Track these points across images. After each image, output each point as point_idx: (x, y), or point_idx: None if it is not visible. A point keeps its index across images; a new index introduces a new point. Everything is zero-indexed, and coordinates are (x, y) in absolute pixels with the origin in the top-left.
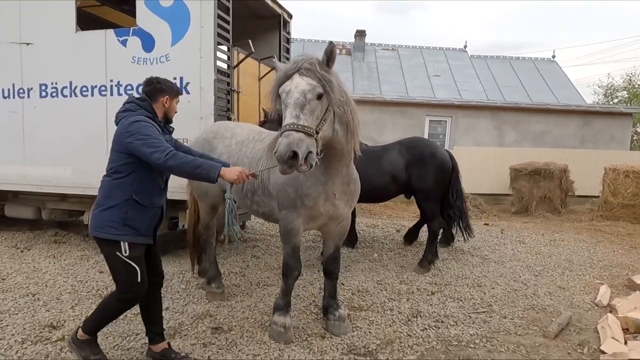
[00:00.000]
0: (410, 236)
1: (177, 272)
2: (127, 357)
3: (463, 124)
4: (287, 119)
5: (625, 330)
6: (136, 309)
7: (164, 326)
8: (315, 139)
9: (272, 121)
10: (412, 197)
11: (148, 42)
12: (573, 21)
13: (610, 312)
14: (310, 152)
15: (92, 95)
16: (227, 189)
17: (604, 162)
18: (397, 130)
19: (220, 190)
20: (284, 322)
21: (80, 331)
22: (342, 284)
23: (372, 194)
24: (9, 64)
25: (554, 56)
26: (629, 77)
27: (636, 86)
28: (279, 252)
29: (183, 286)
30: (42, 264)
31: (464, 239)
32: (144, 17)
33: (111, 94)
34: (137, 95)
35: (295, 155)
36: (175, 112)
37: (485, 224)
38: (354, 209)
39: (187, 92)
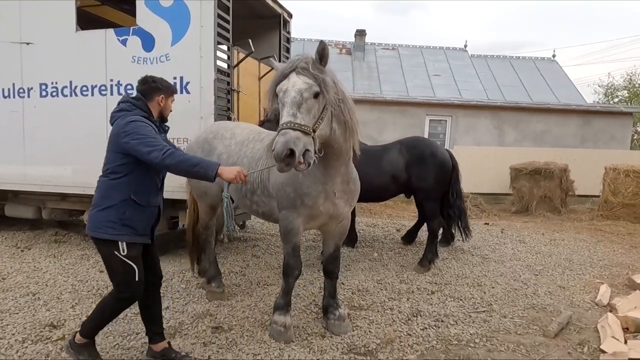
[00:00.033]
0: (409, 237)
1: (177, 271)
2: (127, 357)
3: (463, 123)
4: (284, 118)
5: (625, 330)
6: (136, 308)
7: (164, 325)
8: (313, 138)
9: (271, 121)
10: (412, 197)
11: (148, 42)
12: (573, 21)
13: (610, 311)
14: (307, 150)
15: (92, 94)
16: (225, 187)
17: (604, 162)
18: (398, 130)
19: (220, 190)
20: (284, 322)
21: (78, 335)
22: (342, 283)
23: (372, 193)
24: (9, 63)
25: (554, 55)
26: (629, 77)
27: (636, 85)
28: (279, 252)
29: (183, 285)
30: (43, 264)
31: (463, 239)
32: (144, 16)
33: (111, 94)
34: (132, 95)
35: (292, 153)
36: (171, 111)
37: (486, 224)
38: (354, 208)
39: (187, 92)
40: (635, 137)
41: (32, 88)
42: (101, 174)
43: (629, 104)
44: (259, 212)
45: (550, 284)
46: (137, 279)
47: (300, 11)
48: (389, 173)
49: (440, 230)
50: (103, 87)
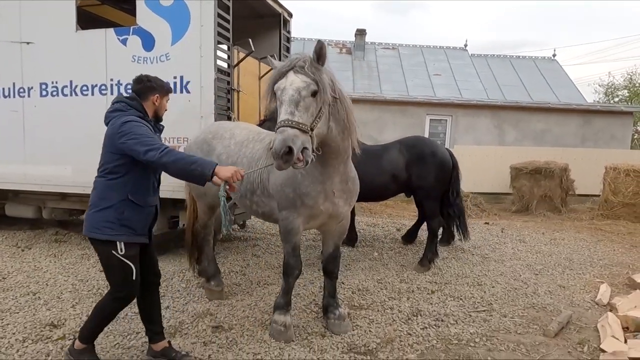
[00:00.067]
0: (409, 236)
1: (177, 270)
2: (128, 356)
3: (463, 122)
4: (282, 116)
5: (625, 329)
6: (136, 307)
7: (165, 325)
8: (311, 136)
9: (271, 120)
10: (412, 196)
11: (148, 41)
12: (573, 21)
13: (611, 310)
14: (305, 148)
15: (93, 94)
16: (221, 187)
17: (604, 161)
18: (398, 129)
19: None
20: (285, 321)
21: (77, 342)
22: (343, 283)
23: (372, 192)
24: (10, 63)
25: (554, 55)
26: (629, 76)
27: (637, 85)
28: (279, 251)
29: (183, 285)
30: (43, 263)
31: (462, 238)
32: (144, 16)
33: (111, 93)
34: (125, 94)
35: (290, 150)
36: (166, 110)
37: (486, 223)
38: (354, 207)
39: (188, 91)
40: (635, 137)
41: (32, 87)
42: (97, 174)
43: (630, 103)
44: (259, 212)
45: (551, 284)
46: (134, 277)
47: (301, 11)
48: (389, 172)
49: (440, 230)
50: (103, 87)
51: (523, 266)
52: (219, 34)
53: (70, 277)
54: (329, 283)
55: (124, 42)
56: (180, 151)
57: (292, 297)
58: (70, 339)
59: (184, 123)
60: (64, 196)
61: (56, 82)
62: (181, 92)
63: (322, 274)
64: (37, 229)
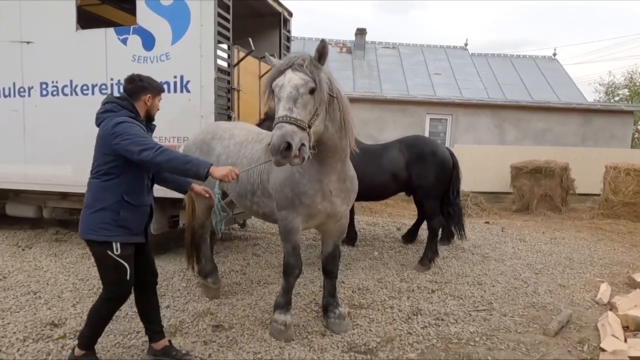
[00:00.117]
0: (410, 235)
1: (177, 270)
2: (128, 355)
3: (464, 122)
4: (280, 112)
5: (626, 328)
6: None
7: (165, 324)
8: (308, 133)
9: (271, 119)
10: (412, 196)
11: (148, 41)
12: (573, 21)
13: (611, 309)
14: (303, 144)
15: (93, 93)
16: (216, 185)
17: (604, 160)
18: (398, 129)
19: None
20: (285, 320)
21: (76, 349)
22: (343, 282)
23: (372, 192)
24: (10, 62)
25: (554, 54)
26: (630, 75)
27: (637, 84)
28: (279, 251)
29: (184, 284)
30: (44, 262)
31: (459, 237)
32: (144, 15)
33: (112, 93)
34: (116, 94)
35: (289, 146)
36: (158, 110)
37: (486, 222)
38: (353, 206)
39: (188, 91)
40: (635, 136)
41: (32, 87)
42: (91, 175)
43: (630, 102)
44: (259, 212)
45: (551, 283)
46: (128, 277)
47: (301, 10)
48: (390, 171)
49: (440, 229)
50: (103, 86)
51: (523, 265)
52: (219, 33)
53: (71, 277)
54: (329, 282)
55: (124, 41)
56: (175, 150)
57: (293, 296)
58: (71, 338)
59: (184, 122)
60: (64, 195)
61: (56, 82)
62: (181, 91)
63: (322, 273)
64: (37, 229)
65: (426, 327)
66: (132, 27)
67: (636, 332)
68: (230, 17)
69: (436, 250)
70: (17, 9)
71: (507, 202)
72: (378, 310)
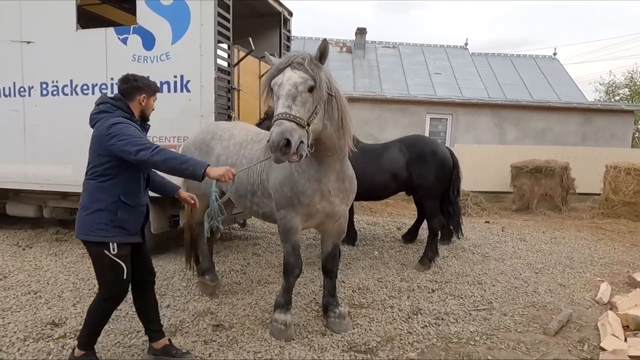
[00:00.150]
0: (410, 235)
1: (177, 269)
2: (129, 355)
3: (464, 121)
4: (279, 109)
5: (626, 328)
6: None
7: (165, 324)
8: (307, 131)
9: (271, 118)
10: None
11: (148, 40)
12: (573, 21)
13: (611, 309)
14: (301, 142)
15: (93, 93)
16: (213, 184)
17: (605, 160)
18: (398, 128)
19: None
20: (285, 320)
21: (76, 349)
22: (343, 282)
23: (373, 191)
24: (10, 62)
25: (555, 53)
26: (630, 75)
27: (637, 83)
28: (279, 250)
29: (184, 284)
30: (44, 262)
31: (457, 236)
32: (145, 15)
33: (112, 92)
34: (110, 95)
35: (288, 143)
36: (153, 110)
37: (486, 222)
38: (352, 206)
39: (188, 90)
40: (636, 135)
41: (32, 87)
42: (86, 176)
43: (630, 102)
44: (259, 213)
45: (551, 282)
46: (124, 277)
47: (301, 10)
48: (390, 171)
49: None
50: (104, 86)
51: (523, 265)
52: (219, 33)
53: (71, 276)
54: (329, 282)
55: (124, 41)
56: (172, 150)
57: (293, 295)
58: (71, 338)
59: (184, 122)
60: (64, 195)
61: (57, 82)
62: (181, 91)
63: (322, 272)
64: (38, 228)
65: (426, 326)
66: (132, 26)
67: (636, 331)
68: (230, 16)
69: (436, 249)
70: (18, 9)
71: (507, 201)
72: (378, 309)
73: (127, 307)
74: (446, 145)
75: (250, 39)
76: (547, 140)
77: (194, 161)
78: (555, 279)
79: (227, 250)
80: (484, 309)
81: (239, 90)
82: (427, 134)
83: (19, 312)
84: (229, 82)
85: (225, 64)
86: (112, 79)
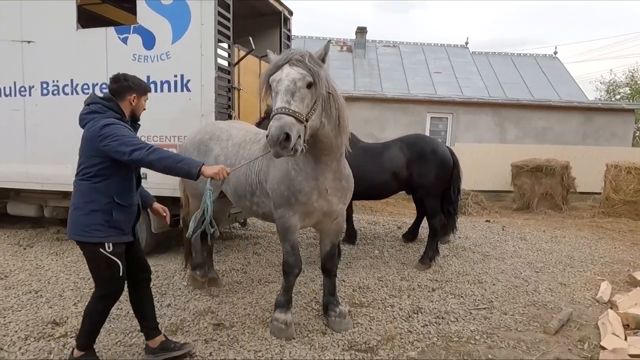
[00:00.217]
0: (410, 234)
1: (178, 269)
2: (130, 354)
3: (464, 120)
4: (278, 104)
5: (626, 327)
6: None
7: (166, 323)
8: (305, 127)
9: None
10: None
11: (149, 40)
12: (573, 21)
13: (611, 308)
14: (298, 137)
15: (94, 93)
16: (207, 182)
17: (605, 159)
18: (399, 127)
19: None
20: (285, 319)
21: (75, 350)
22: (343, 281)
23: (373, 190)
24: (11, 62)
25: (555, 52)
26: (631, 73)
27: (638, 82)
28: (280, 249)
29: (184, 283)
30: (45, 262)
31: (452, 232)
32: (145, 14)
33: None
34: (100, 94)
35: (288, 137)
36: (144, 110)
37: (487, 221)
38: (351, 205)
39: (188, 90)
40: (637, 134)
41: (33, 86)
42: (78, 177)
43: (631, 100)
44: (258, 212)
45: (551, 281)
46: (120, 274)
47: (301, 10)
48: (390, 170)
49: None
50: (104, 86)
51: (524, 264)
52: (220, 32)
53: (72, 275)
54: (328, 281)
55: (124, 40)
56: (166, 150)
57: (293, 295)
58: (72, 337)
59: (185, 122)
60: (65, 195)
61: (57, 81)
62: (182, 90)
63: (321, 272)
64: (38, 228)
65: (427, 325)
66: (132, 26)
67: (636, 330)
68: (230, 16)
69: (437, 248)
70: (18, 9)
71: (507, 200)
72: (378, 308)
73: (127, 306)
74: (446, 144)
75: (250, 38)
76: (547, 139)
77: (189, 160)
78: (555, 277)
79: (227, 249)
80: (485, 308)
81: (239, 90)
82: (427, 133)
83: (20, 311)
84: (229, 81)
85: (225, 63)
86: None
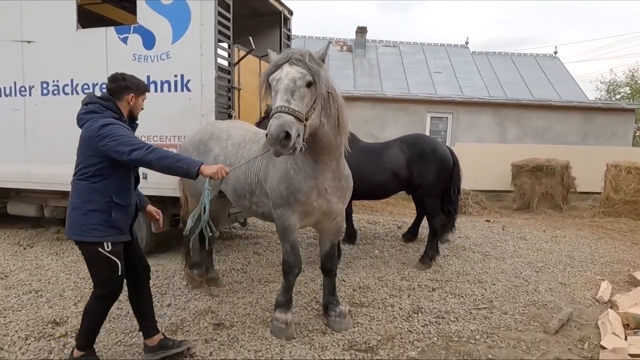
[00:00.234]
0: (410, 234)
1: (178, 269)
2: (130, 354)
3: (464, 120)
4: (278, 102)
5: (626, 326)
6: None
7: (166, 322)
8: (305, 126)
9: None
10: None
11: (149, 40)
12: (573, 21)
13: (611, 307)
14: (298, 135)
15: (94, 92)
16: (206, 182)
17: (605, 159)
18: (399, 127)
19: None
20: (285, 319)
21: (75, 350)
22: (343, 281)
23: (373, 190)
24: (11, 62)
25: (555, 52)
26: (631, 73)
27: (639, 82)
28: (280, 249)
29: (185, 283)
30: (45, 261)
31: (449, 231)
32: (145, 14)
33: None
34: (98, 94)
35: (288, 135)
36: (142, 109)
37: (487, 221)
38: (351, 204)
39: (188, 90)
40: (637, 134)
41: (33, 86)
42: (76, 177)
43: (631, 100)
44: (258, 212)
45: (551, 281)
46: (119, 273)
47: (301, 10)
48: (390, 170)
49: None
50: (104, 86)
51: (524, 264)
52: (220, 32)
53: (72, 275)
54: (328, 281)
55: (124, 40)
56: (165, 149)
57: (293, 294)
58: (72, 337)
59: (185, 121)
60: (65, 194)
61: (57, 81)
62: (182, 90)
63: (321, 271)
64: (38, 228)
65: (427, 325)
66: (132, 26)
67: (637, 329)
68: (230, 16)
69: (437, 248)
70: (18, 9)
71: (507, 200)
72: (379, 308)
73: (127, 306)
74: (447, 144)
75: (250, 38)
76: (547, 139)
77: (188, 159)
78: (555, 277)
79: (227, 249)
80: (485, 308)
81: (239, 90)
82: (427, 133)
83: (20, 311)
84: (229, 81)
85: (225, 63)
86: None
